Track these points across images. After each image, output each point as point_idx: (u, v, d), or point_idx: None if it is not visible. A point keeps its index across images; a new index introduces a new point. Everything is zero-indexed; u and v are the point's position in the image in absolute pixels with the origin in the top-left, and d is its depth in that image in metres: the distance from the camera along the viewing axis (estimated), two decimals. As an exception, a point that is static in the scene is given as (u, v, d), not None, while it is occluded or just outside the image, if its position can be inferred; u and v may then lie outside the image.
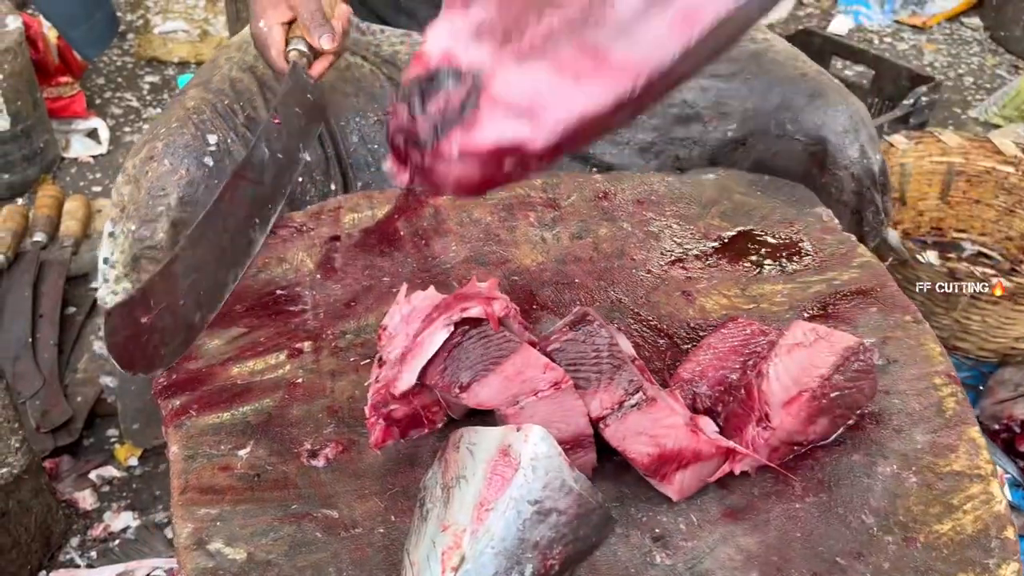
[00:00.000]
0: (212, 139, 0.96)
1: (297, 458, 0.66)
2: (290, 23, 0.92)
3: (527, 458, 0.55)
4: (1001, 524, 0.64)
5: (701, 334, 0.80)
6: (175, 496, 0.63)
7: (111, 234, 0.96)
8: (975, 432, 0.71)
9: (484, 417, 0.67)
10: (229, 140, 0.96)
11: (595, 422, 0.63)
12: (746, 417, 0.65)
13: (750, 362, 0.68)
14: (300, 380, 0.73)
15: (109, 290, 0.97)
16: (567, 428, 0.62)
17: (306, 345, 0.76)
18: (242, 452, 0.66)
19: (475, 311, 0.64)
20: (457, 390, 0.62)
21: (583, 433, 0.62)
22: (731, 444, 0.64)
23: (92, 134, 2.18)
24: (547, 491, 0.56)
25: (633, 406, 0.63)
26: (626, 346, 0.67)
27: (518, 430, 0.56)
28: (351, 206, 0.94)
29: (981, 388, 1.50)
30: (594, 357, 0.64)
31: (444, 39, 0.75)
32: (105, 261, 0.97)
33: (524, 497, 0.55)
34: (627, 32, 0.61)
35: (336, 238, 0.89)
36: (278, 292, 0.82)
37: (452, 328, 0.63)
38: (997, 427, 1.39)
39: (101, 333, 1.55)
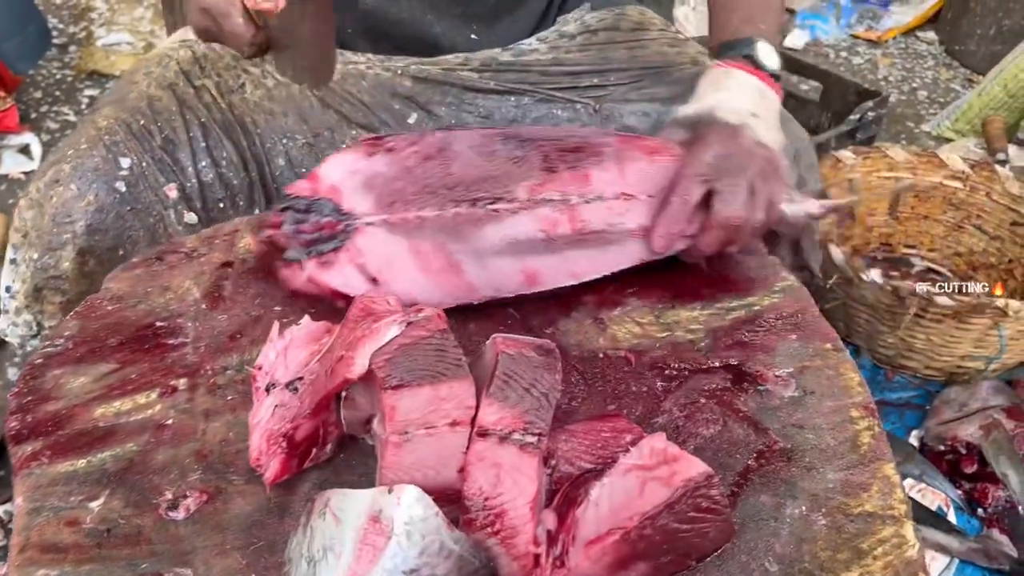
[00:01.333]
0: (125, 162, 0.90)
1: (155, 510, 0.61)
2: None
3: (400, 523, 0.51)
4: (912, 571, 0.60)
5: (609, 366, 0.75)
6: (12, 555, 0.57)
7: (12, 261, 0.90)
8: (890, 469, 0.67)
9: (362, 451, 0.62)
10: (144, 163, 0.91)
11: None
12: (551, 544, 0.57)
13: (597, 469, 0.60)
14: (170, 421, 0.68)
15: (9, 321, 0.91)
16: (436, 477, 0.57)
17: (181, 382, 0.71)
18: (94, 504, 0.60)
19: (428, 313, 0.61)
20: (387, 388, 0.57)
21: (451, 487, 0.57)
22: None
23: (24, 150, 2.12)
24: (424, 557, 0.51)
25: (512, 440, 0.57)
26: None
27: (389, 492, 0.52)
28: (250, 229, 0.88)
29: (927, 408, 1.47)
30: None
31: (338, 173, 0.75)
32: (7, 290, 0.91)
33: (399, 567, 0.50)
34: (482, 259, 0.76)
35: (228, 264, 0.83)
36: (157, 324, 0.76)
37: (404, 325, 0.59)
38: (942, 448, 1.36)
39: (16, 359, 1.49)
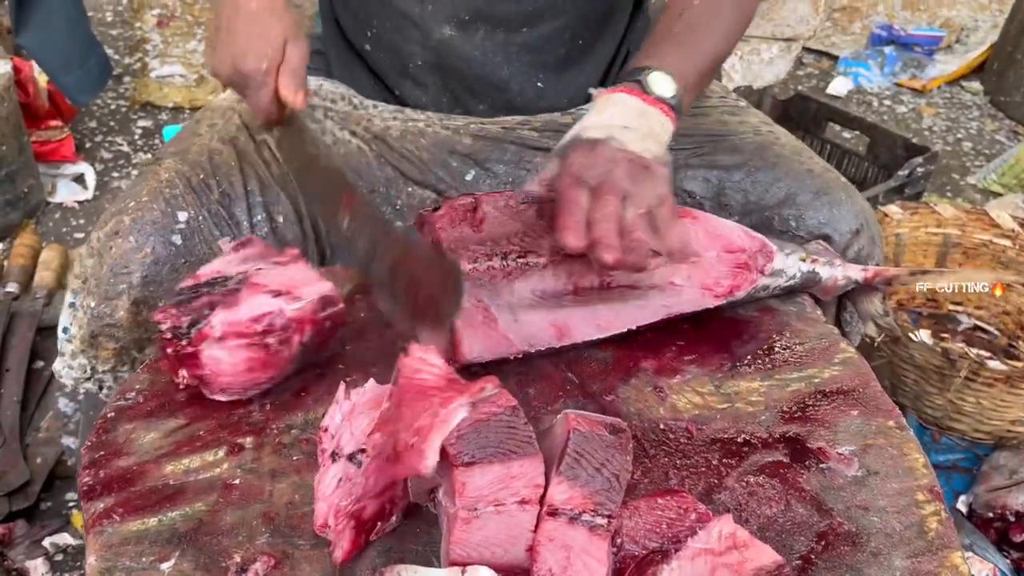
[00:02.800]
0: (182, 216, 0.92)
1: (224, 573, 0.61)
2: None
3: None
4: (984, 669, 0.59)
5: (670, 436, 0.75)
6: (86, 616, 0.58)
7: (71, 304, 0.92)
8: (958, 558, 0.66)
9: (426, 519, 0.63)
10: (200, 217, 0.93)
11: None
12: None
13: (664, 548, 0.61)
14: (237, 481, 0.68)
15: (65, 364, 0.93)
16: (504, 556, 0.57)
17: (248, 440, 0.72)
18: (164, 565, 0.61)
19: (491, 391, 0.61)
20: (459, 465, 0.58)
21: (519, 566, 0.57)
22: None
23: (79, 179, 2.16)
24: None
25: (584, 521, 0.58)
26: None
27: (463, 573, 0.52)
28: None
29: (975, 471, 1.45)
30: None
31: (216, 266, 0.81)
32: (64, 331, 0.93)
33: None
34: (514, 312, 0.80)
35: (292, 319, 0.84)
36: (224, 379, 0.77)
37: (470, 407, 0.59)
38: (991, 515, 1.33)
39: (67, 389, 1.52)
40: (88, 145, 2.34)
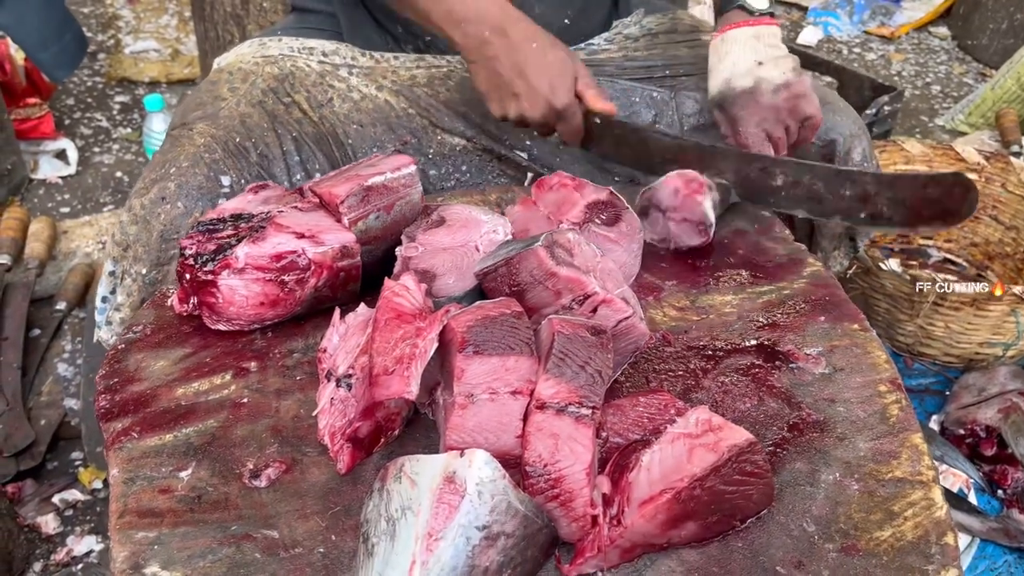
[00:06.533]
0: (225, 180, 0.94)
1: (239, 479, 0.66)
2: None
3: (473, 484, 0.55)
4: (941, 530, 0.64)
5: (649, 346, 0.80)
6: (112, 520, 0.62)
7: (111, 273, 0.93)
8: (918, 439, 0.71)
9: (424, 425, 0.67)
10: (243, 180, 0.95)
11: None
12: (606, 505, 0.62)
13: (646, 438, 0.66)
14: (245, 400, 0.73)
15: (112, 332, 0.94)
16: (496, 442, 0.62)
17: (252, 364, 0.76)
18: (183, 474, 0.66)
19: (455, 312, 0.66)
20: (463, 352, 0.63)
21: (509, 453, 0.62)
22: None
23: (61, 155, 2.17)
24: (494, 515, 0.56)
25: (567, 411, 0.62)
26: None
27: (461, 455, 0.56)
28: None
29: (947, 393, 1.51)
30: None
31: (236, 203, 0.84)
32: (104, 300, 0.94)
33: (472, 523, 0.55)
34: None
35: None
36: (226, 312, 0.81)
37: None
38: (962, 432, 1.40)
39: (65, 355, 1.55)
40: (67, 122, 2.35)
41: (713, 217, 0.91)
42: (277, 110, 1.02)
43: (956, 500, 1.30)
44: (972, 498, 1.33)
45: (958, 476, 1.36)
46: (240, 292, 0.76)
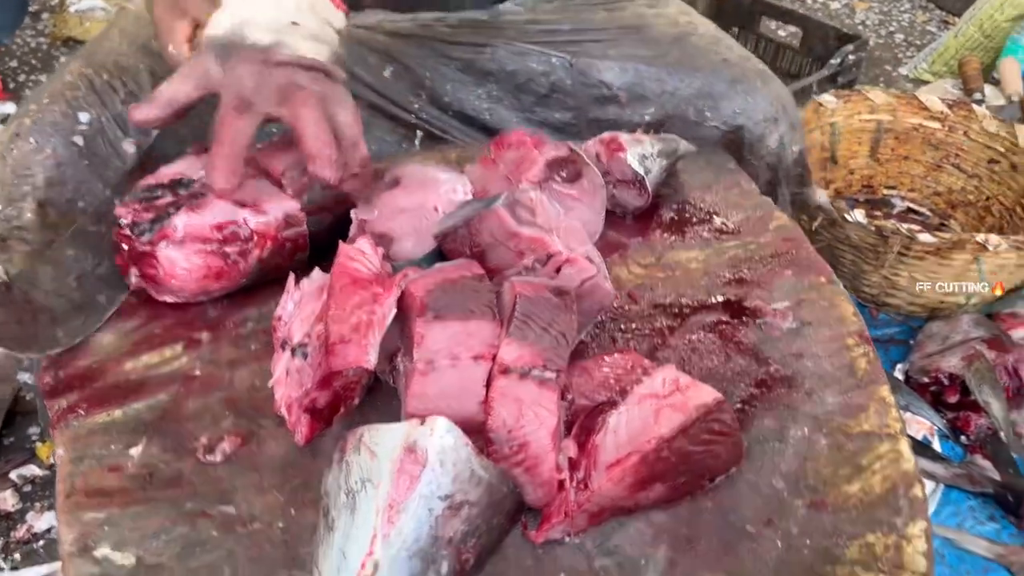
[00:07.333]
0: (84, 117, 0.90)
1: (193, 454, 0.63)
2: None
3: (434, 452, 0.53)
4: (909, 482, 0.64)
5: (614, 305, 0.78)
6: (60, 501, 0.60)
7: None
8: (885, 391, 0.71)
9: (385, 392, 0.65)
10: (103, 119, 0.90)
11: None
12: (573, 469, 0.60)
13: (613, 400, 0.64)
14: (197, 372, 0.70)
15: None
16: (459, 409, 0.60)
17: (204, 335, 0.73)
18: (133, 451, 0.63)
19: (412, 276, 0.64)
20: (422, 316, 0.60)
21: (472, 419, 0.60)
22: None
23: (6, 119, 2.09)
24: (457, 484, 0.54)
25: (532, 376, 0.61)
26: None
27: (421, 423, 0.54)
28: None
29: (911, 343, 1.52)
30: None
31: (178, 167, 0.78)
32: None
33: (434, 493, 0.53)
34: None
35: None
36: (176, 281, 0.78)
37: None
38: (926, 380, 1.41)
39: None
40: (12, 85, 2.26)
41: (647, 169, 0.88)
42: (157, 53, 0.97)
43: (920, 448, 1.32)
44: (936, 445, 1.35)
45: (922, 424, 1.37)
46: (181, 264, 0.72)
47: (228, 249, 0.74)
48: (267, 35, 0.72)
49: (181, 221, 0.72)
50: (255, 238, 0.75)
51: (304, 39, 0.73)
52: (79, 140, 0.88)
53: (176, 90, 0.73)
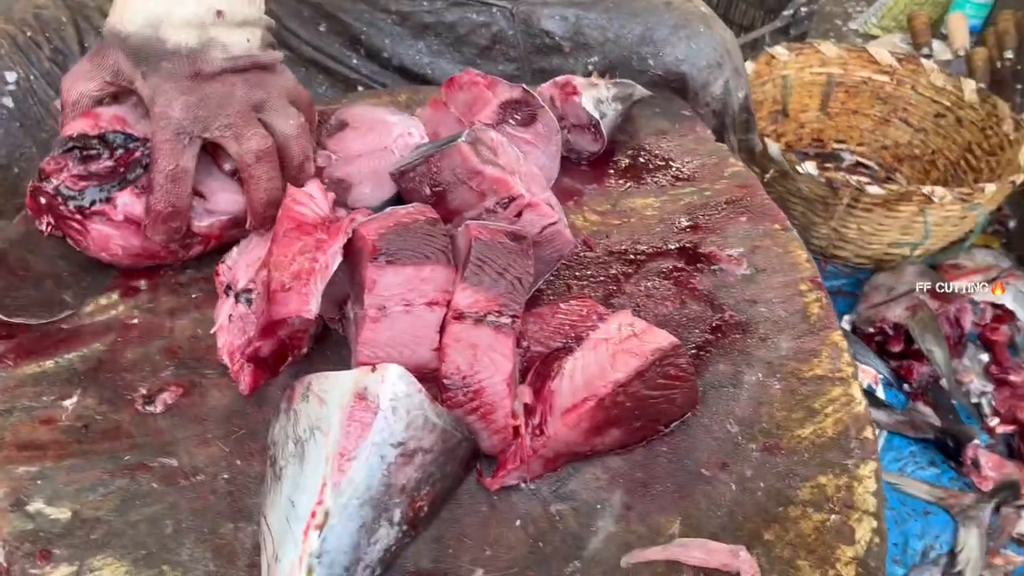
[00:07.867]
0: (11, 77, 0.86)
1: (131, 405, 0.61)
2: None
3: (386, 399, 0.51)
4: (860, 424, 0.64)
5: (569, 256, 0.77)
6: (-11, 455, 0.56)
7: None
8: (837, 336, 0.71)
9: (335, 342, 0.63)
10: (31, 77, 0.87)
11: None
12: (528, 415, 0.59)
13: (568, 345, 0.63)
14: (135, 320, 0.67)
15: None
16: (412, 356, 0.58)
17: (142, 283, 0.70)
18: (67, 402, 0.60)
19: (360, 220, 0.61)
20: (374, 261, 0.58)
21: (425, 366, 0.59)
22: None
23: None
24: (410, 431, 0.53)
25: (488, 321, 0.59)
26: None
27: (373, 370, 0.52)
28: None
29: (858, 294, 1.54)
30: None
31: (118, 111, 0.67)
32: None
33: (386, 441, 0.52)
34: None
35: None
36: (110, 226, 0.74)
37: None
38: (872, 330, 1.44)
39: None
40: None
41: (602, 113, 0.86)
42: (84, 5, 0.92)
43: (865, 395, 1.34)
44: (880, 393, 1.38)
45: (867, 372, 1.40)
46: (116, 242, 0.66)
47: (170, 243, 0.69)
48: (190, 35, 0.61)
49: (123, 202, 0.65)
50: (198, 237, 0.70)
51: (232, 29, 0.63)
52: (8, 102, 0.84)
53: (80, 93, 0.64)
